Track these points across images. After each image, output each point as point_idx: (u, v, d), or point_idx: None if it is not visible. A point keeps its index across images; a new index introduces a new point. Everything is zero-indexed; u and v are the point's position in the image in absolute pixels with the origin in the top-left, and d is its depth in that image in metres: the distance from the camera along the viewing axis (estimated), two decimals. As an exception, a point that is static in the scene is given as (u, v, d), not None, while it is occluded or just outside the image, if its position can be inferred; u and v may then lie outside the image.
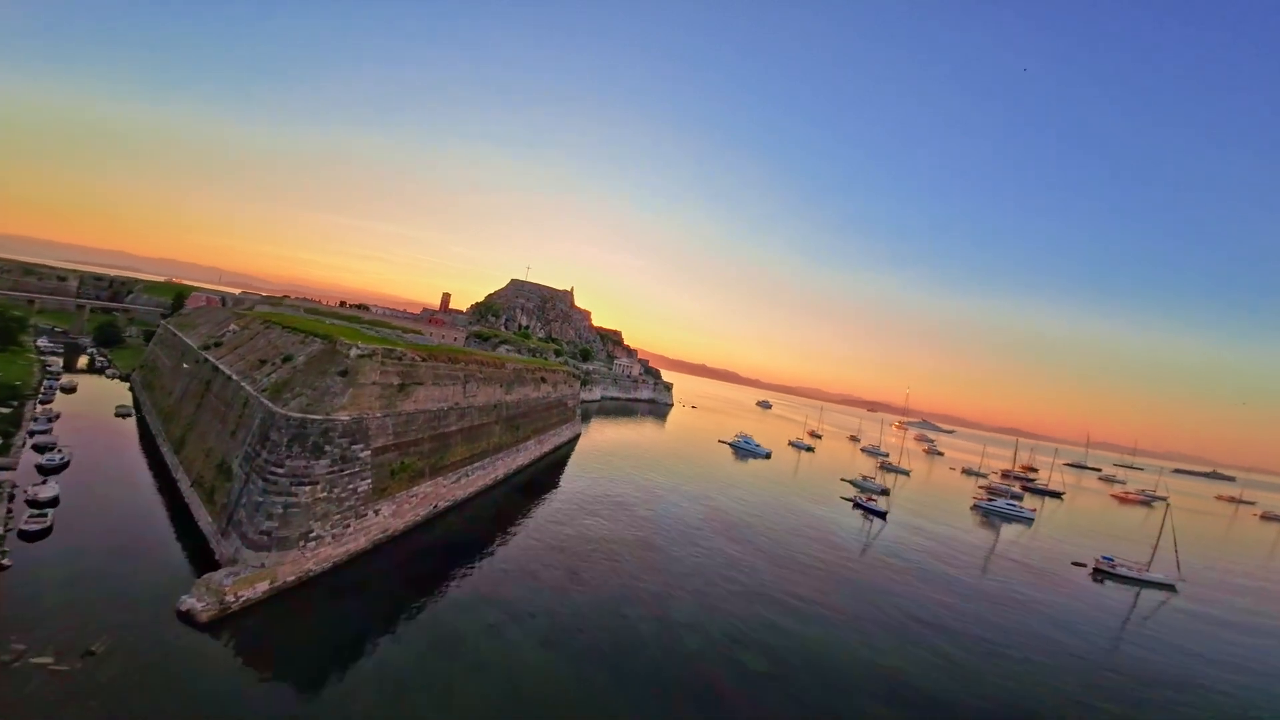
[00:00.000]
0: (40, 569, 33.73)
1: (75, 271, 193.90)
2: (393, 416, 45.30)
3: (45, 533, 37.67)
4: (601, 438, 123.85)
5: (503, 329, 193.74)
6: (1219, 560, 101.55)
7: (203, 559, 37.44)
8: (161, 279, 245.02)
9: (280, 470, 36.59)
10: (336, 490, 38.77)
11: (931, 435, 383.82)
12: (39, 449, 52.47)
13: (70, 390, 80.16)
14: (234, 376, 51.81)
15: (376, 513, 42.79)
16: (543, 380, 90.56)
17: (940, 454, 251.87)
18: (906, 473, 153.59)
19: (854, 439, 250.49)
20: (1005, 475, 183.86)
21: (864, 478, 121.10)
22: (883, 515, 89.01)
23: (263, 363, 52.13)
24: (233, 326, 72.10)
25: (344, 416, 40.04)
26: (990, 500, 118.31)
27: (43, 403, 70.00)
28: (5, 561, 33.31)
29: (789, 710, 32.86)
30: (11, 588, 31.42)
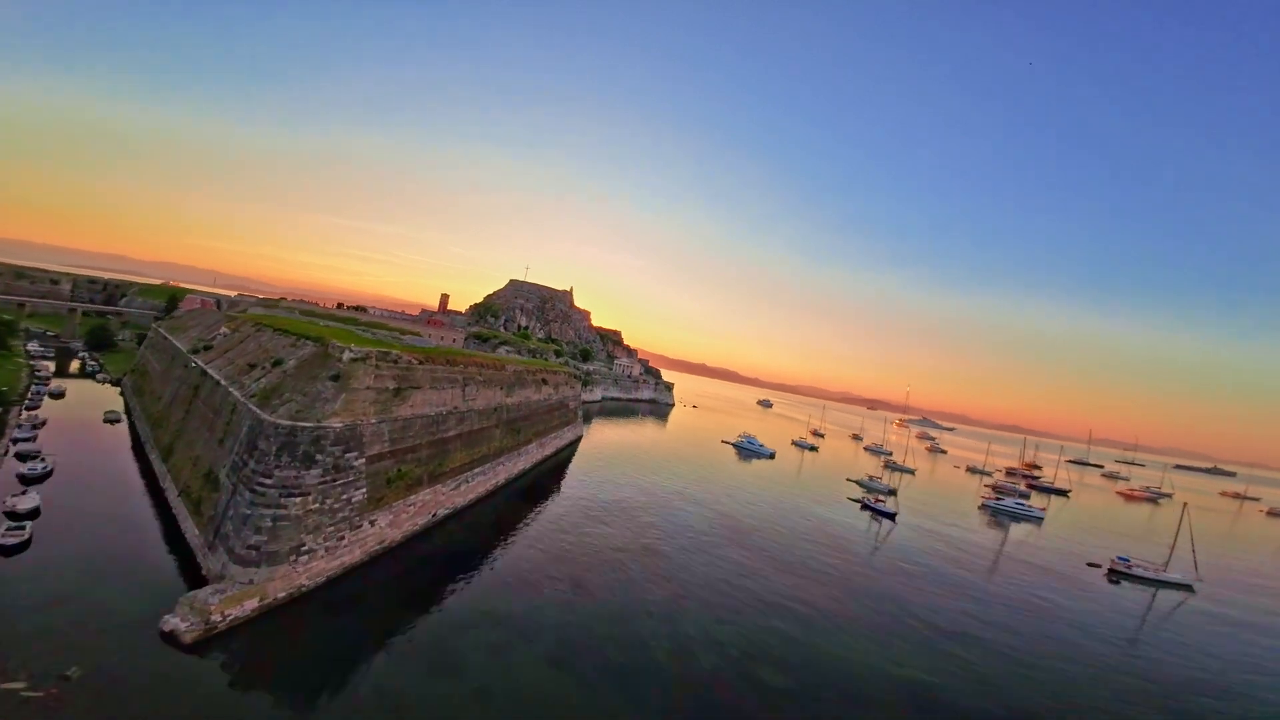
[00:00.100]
0: (16, 586, 32.14)
1: (69, 275, 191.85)
2: (388, 422, 43.36)
3: (23, 546, 35.94)
4: (603, 439, 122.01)
5: (502, 330, 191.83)
6: (1232, 558, 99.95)
7: (190, 574, 35.69)
8: (158, 282, 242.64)
9: (268, 481, 34.66)
10: (329, 501, 36.85)
11: (933, 433, 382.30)
12: (21, 457, 50.61)
13: (59, 396, 78.20)
14: (222, 381, 49.87)
15: (372, 523, 40.88)
16: (544, 382, 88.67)
17: (943, 452, 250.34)
18: (911, 471, 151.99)
19: (856, 437, 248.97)
20: (1010, 473, 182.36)
21: (870, 478, 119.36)
22: (892, 516, 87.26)
23: (252, 367, 50.18)
24: (223, 330, 70.15)
25: (336, 423, 38.11)
26: (998, 499, 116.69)
27: (29, 409, 68.03)
28: (-23, 580, 31.47)
29: (813, 729, 31.13)
30: (-17, 607, 29.63)
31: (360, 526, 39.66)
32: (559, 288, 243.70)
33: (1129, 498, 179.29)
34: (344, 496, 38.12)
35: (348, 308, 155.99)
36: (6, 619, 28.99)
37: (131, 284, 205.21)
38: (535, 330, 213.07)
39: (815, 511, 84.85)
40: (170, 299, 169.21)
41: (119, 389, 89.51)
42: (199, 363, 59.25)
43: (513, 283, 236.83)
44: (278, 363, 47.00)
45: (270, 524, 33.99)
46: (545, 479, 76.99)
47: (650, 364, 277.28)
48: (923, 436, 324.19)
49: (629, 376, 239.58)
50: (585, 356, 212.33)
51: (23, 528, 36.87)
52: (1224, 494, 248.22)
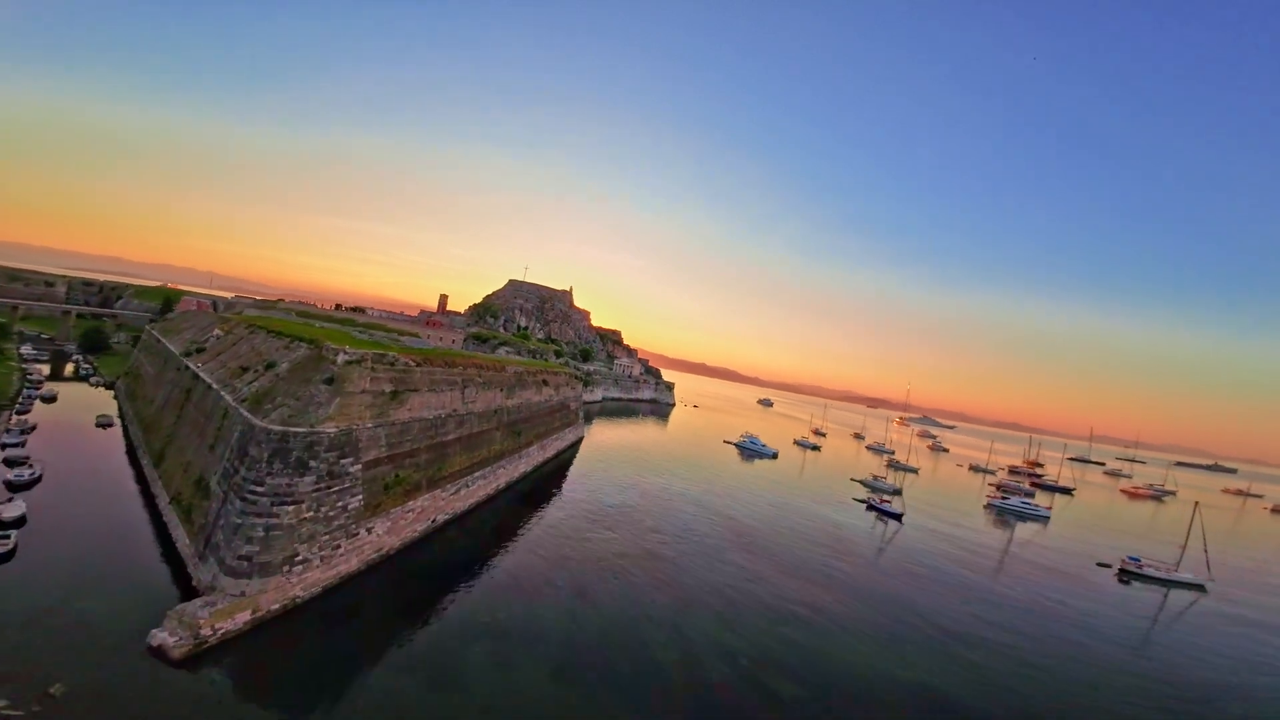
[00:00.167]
0: (-2, 598, 30.72)
1: (64, 277, 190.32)
2: (385, 426, 42.12)
3: (7, 556, 34.68)
4: (604, 440, 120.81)
5: (501, 330, 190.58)
6: (1242, 557, 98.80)
7: (182, 585, 34.41)
8: (155, 284, 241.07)
9: (260, 489, 33.41)
10: (324, 509, 35.61)
11: (935, 431, 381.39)
12: (8, 463, 49.25)
13: (50, 399, 76.86)
14: (214, 385, 48.58)
15: (369, 531, 39.66)
16: (545, 383, 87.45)
17: (945, 450, 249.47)
18: (915, 470, 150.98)
19: (858, 436, 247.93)
20: (1014, 471, 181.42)
21: (874, 477, 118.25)
22: (898, 517, 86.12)
23: (245, 370, 48.92)
24: (216, 331, 68.85)
25: (331, 428, 36.86)
26: (1004, 499, 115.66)
27: (19, 413, 66.69)
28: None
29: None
30: (-37, 622, 28.43)
31: (357, 535, 38.44)
32: (558, 288, 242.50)
33: (1133, 495, 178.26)
34: (339, 504, 36.89)
35: (346, 309, 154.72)
36: (-12, 633, 27.84)
37: (128, 286, 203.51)
38: (535, 331, 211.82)
39: (820, 513, 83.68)
40: (166, 301, 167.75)
41: (113, 392, 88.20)
42: (191, 365, 57.99)
43: (512, 283, 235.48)
44: (270, 365, 45.73)
45: (262, 533, 32.76)
46: (547, 482, 75.76)
47: (650, 364, 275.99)
48: (924, 435, 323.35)
49: (629, 376, 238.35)
50: (585, 357, 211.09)
51: (7, 537, 35.59)
52: (1227, 491, 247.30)
